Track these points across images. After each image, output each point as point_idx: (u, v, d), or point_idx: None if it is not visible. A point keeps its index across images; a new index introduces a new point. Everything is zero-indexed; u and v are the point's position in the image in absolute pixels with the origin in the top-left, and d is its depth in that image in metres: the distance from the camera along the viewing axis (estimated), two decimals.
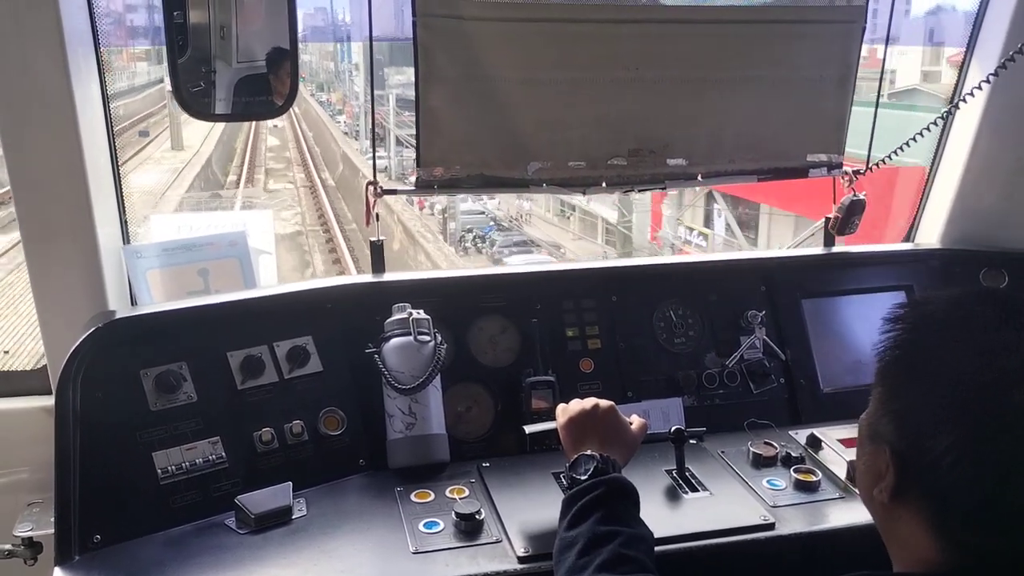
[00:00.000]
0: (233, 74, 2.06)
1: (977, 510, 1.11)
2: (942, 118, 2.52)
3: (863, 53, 2.44)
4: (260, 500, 1.83)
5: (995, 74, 2.25)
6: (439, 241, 19.70)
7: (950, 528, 1.14)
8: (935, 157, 2.72)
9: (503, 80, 2.22)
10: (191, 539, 1.80)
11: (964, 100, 2.38)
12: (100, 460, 1.81)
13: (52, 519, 1.77)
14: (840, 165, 2.53)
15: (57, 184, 2.03)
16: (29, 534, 2.07)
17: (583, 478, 1.63)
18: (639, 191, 2.44)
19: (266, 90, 2.07)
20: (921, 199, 2.78)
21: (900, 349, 1.21)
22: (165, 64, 2.00)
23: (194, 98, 2.05)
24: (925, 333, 1.21)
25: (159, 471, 1.85)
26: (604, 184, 2.38)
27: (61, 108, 1.97)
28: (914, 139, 2.47)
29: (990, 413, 1.10)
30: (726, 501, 1.90)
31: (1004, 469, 1.09)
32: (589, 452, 1.67)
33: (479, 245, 23.22)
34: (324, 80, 48.07)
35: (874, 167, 2.53)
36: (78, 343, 1.84)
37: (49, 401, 1.87)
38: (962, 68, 2.61)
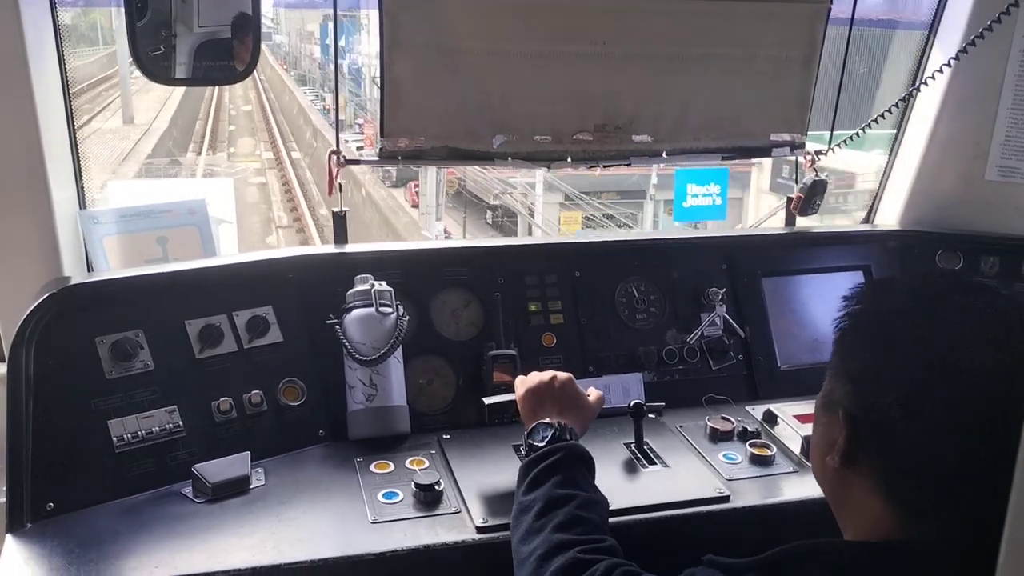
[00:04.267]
0: (194, 38, 2.02)
1: (927, 467, 1.14)
2: (903, 100, 2.55)
3: None
4: (217, 469, 1.82)
5: (956, 58, 2.29)
6: None
7: (902, 490, 1.17)
8: (895, 140, 2.75)
9: (469, 51, 2.21)
10: (146, 508, 1.78)
11: (925, 83, 2.42)
12: (53, 428, 1.78)
13: (4, 487, 1.75)
14: (803, 145, 2.56)
15: (10, 146, 1.98)
16: None
17: (540, 444, 1.65)
18: (604, 167, 2.45)
19: (228, 55, 2.03)
20: (881, 181, 2.82)
21: (855, 317, 1.26)
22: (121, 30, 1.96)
23: (154, 62, 2.00)
24: (878, 302, 1.27)
25: (114, 439, 1.83)
26: (569, 159, 2.38)
27: (15, 68, 1.92)
28: (876, 121, 2.50)
29: (938, 368, 1.13)
30: (683, 474, 1.93)
31: (949, 425, 1.12)
32: (547, 420, 1.70)
33: None
34: (308, 72, 40.23)
35: (836, 147, 2.56)
36: (31, 309, 1.81)
37: (2, 368, 1.83)
38: (924, 51, 2.64)
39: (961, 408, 1.12)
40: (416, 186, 23.11)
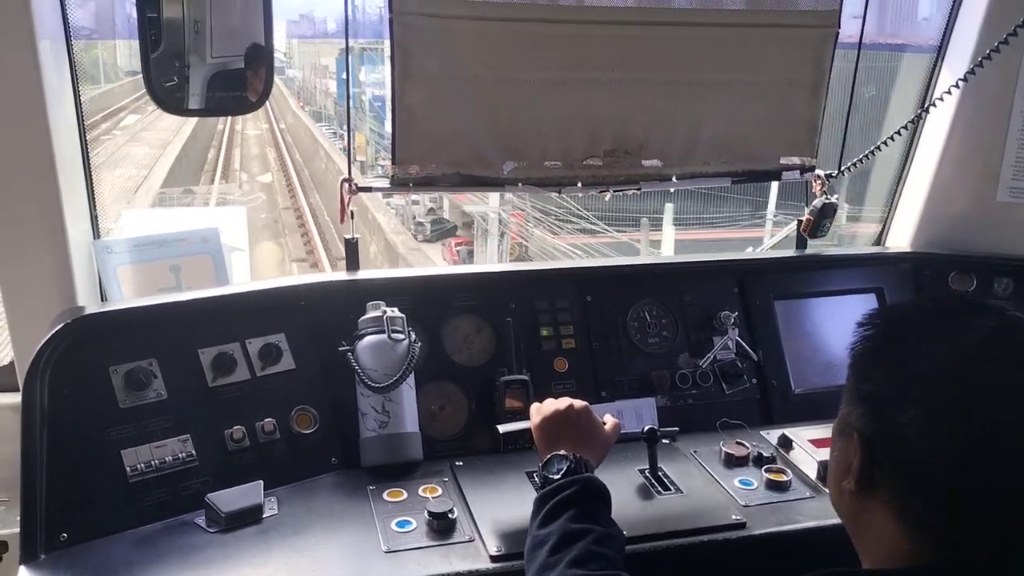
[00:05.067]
0: (207, 69, 2.05)
1: (944, 487, 1.13)
2: (912, 122, 2.55)
3: None
4: (230, 499, 1.82)
5: (964, 79, 2.29)
6: None
7: (919, 512, 1.15)
8: (905, 161, 2.75)
9: (480, 79, 2.22)
10: (160, 538, 1.77)
11: (934, 104, 2.42)
12: (67, 458, 1.78)
13: (18, 517, 1.74)
14: (813, 168, 2.56)
15: (26, 177, 2.00)
16: None
17: (556, 477, 1.63)
18: (614, 192, 2.45)
19: (241, 85, 2.06)
20: (892, 203, 2.81)
21: (869, 341, 1.26)
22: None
23: (167, 93, 2.03)
24: (892, 326, 1.26)
25: (128, 469, 1.82)
26: (579, 184, 2.38)
27: (31, 101, 1.94)
28: (885, 143, 2.50)
29: (954, 386, 1.13)
30: (698, 500, 1.91)
31: (968, 443, 1.11)
32: (562, 452, 1.68)
33: None
34: (323, 108, 35.44)
35: (846, 171, 2.56)
36: (46, 339, 1.81)
37: (16, 398, 1.84)
38: (933, 72, 2.65)
39: (980, 425, 1.11)
40: (458, 243, 20.50)
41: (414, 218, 22.27)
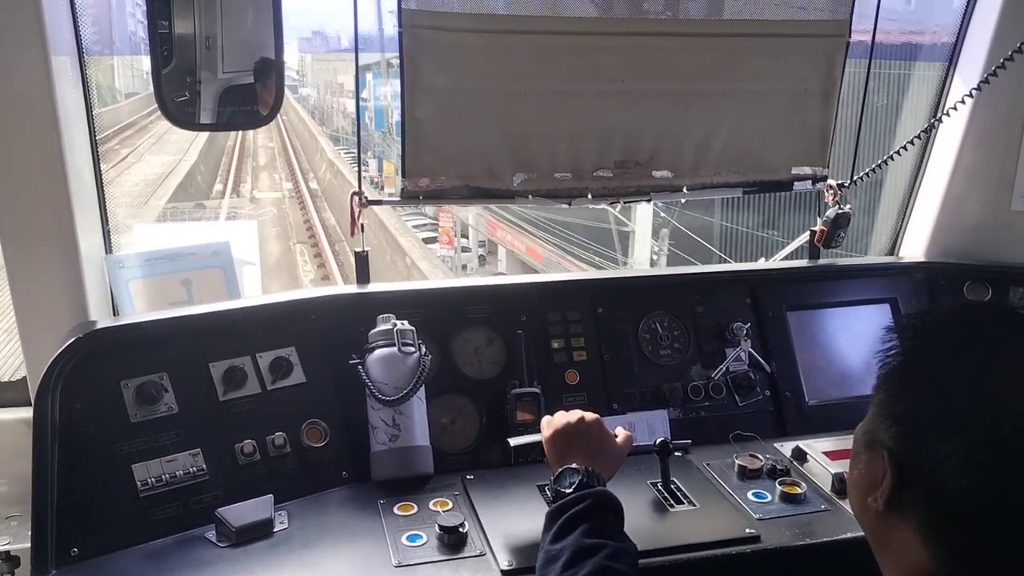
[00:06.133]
0: (219, 84, 2.06)
1: (979, 516, 1.10)
2: (925, 132, 2.54)
3: None
4: (241, 513, 1.81)
5: (978, 88, 2.28)
6: None
7: (948, 535, 1.13)
8: (918, 170, 2.73)
9: (489, 91, 2.23)
10: (170, 552, 1.77)
11: (947, 114, 2.40)
12: (78, 472, 1.78)
13: (28, 532, 1.74)
14: (825, 178, 2.54)
15: (39, 193, 2.02)
16: (6, 548, 2.05)
17: (568, 491, 1.62)
18: (625, 203, 2.45)
19: (251, 100, 2.07)
20: (905, 212, 2.79)
21: (903, 355, 1.20)
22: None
23: (179, 108, 2.04)
24: (929, 340, 1.20)
25: (138, 483, 1.82)
26: (590, 195, 2.38)
27: (43, 116, 1.96)
28: (898, 152, 2.49)
29: (997, 418, 1.09)
30: (711, 514, 1.89)
31: (1010, 475, 1.08)
32: (574, 465, 1.67)
33: None
34: (340, 130, 31.24)
35: (858, 180, 2.55)
36: (57, 353, 1.82)
37: (28, 413, 1.85)
38: (945, 82, 2.63)
39: (1021, 459, 1.07)
40: None
41: (464, 268, 20.80)
